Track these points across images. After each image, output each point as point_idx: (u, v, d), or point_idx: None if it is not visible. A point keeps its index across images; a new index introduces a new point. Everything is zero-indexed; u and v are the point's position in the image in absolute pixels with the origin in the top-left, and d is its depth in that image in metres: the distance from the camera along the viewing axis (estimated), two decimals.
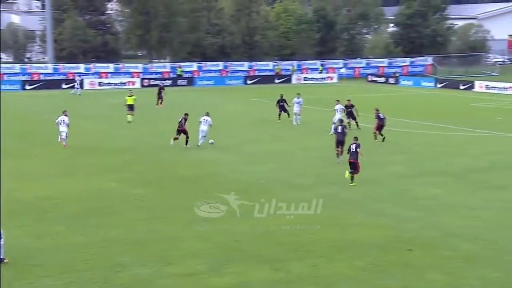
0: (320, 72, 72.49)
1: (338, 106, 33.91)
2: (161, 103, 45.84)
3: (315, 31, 79.97)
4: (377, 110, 31.63)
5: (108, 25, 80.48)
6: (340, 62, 75.93)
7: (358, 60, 78.42)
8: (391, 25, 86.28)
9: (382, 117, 31.28)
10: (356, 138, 23.07)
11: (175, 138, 29.58)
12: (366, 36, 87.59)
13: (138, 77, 66.64)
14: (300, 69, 73.40)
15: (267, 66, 73.31)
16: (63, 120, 29.90)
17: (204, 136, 29.87)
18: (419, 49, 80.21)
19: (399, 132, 34.70)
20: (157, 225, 17.88)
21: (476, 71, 76.16)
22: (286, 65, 73.37)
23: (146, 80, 65.64)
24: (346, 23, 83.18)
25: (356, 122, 33.86)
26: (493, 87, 59.20)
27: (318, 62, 75.16)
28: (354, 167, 22.18)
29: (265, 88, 62.85)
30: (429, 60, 77.04)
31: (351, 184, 22.16)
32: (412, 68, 76.75)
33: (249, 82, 68.39)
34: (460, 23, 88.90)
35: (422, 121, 38.44)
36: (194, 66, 70.67)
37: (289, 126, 36.52)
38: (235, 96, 48.39)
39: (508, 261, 15.12)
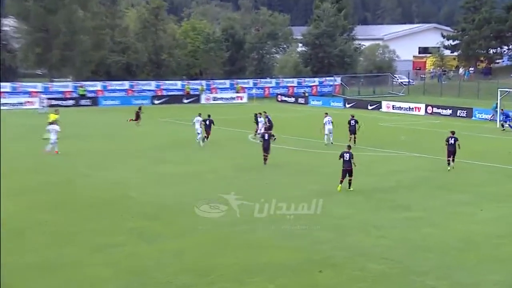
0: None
1: (327, 119, 38.00)
2: (138, 121, 47.99)
3: (224, 50, 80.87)
4: (353, 116, 38.18)
5: (4, 42, 78.05)
6: (250, 82, 77.04)
7: (268, 79, 79.88)
8: (300, 44, 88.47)
9: (353, 123, 37.52)
10: (349, 147, 26.01)
11: (206, 137, 37.33)
12: (276, 55, 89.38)
13: (37, 96, 64.89)
14: (209, 89, 73.88)
15: (175, 85, 73.29)
16: (53, 128, 34.09)
17: (198, 133, 37.06)
18: (328, 69, 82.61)
19: (312, 152, 35.65)
20: (63, 250, 17.63)
21: (383, 91, 79.27)
22: (195, 85, 73.65)
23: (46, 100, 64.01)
24: (255, 42, 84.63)
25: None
26: (399, 107, 61.89)
27: (228, 82, 75.97)
28: (350, 173, 25.17)
29: (174, 108, 62.82)
30: (337, 80, 79.41)
31: (350, 189, 25.09)
32: (321, 88, 78.89)
33: (156, 102, 68.09)
34: (367, 43, 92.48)
35: (333, 141, 39.59)
36: (98, 86, 69.61)
37: (198, 147, 36.74)
38: (142, 116, 48.12)
39: (414, 281, 15.86)
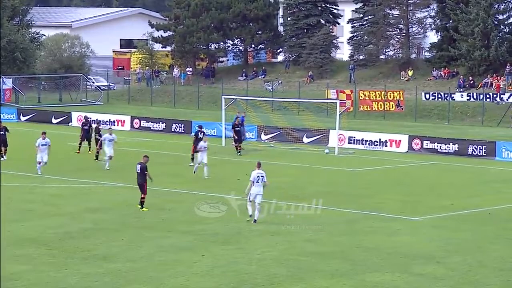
0: None
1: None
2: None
3: None
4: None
5: None
6: None
7: None
8: None
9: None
10: (146, 157, 30.13)
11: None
12: None
13: None
14: None
15: None
16: None
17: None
18: None
19: None
20: None
21: (73, 98, 79.56)
22: None
23: None
24: None
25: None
26: (96, 120, 62.14)
27: None
28: (143, 190, 29.36)
29: None
30: (8, 83, 77.71)
31: (142, 210, 29.19)
32: None
33: None
34: (49, 32, 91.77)
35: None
36: None
37: None
38: None
39: None
